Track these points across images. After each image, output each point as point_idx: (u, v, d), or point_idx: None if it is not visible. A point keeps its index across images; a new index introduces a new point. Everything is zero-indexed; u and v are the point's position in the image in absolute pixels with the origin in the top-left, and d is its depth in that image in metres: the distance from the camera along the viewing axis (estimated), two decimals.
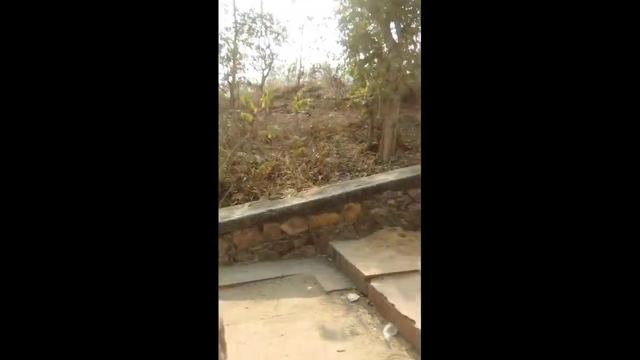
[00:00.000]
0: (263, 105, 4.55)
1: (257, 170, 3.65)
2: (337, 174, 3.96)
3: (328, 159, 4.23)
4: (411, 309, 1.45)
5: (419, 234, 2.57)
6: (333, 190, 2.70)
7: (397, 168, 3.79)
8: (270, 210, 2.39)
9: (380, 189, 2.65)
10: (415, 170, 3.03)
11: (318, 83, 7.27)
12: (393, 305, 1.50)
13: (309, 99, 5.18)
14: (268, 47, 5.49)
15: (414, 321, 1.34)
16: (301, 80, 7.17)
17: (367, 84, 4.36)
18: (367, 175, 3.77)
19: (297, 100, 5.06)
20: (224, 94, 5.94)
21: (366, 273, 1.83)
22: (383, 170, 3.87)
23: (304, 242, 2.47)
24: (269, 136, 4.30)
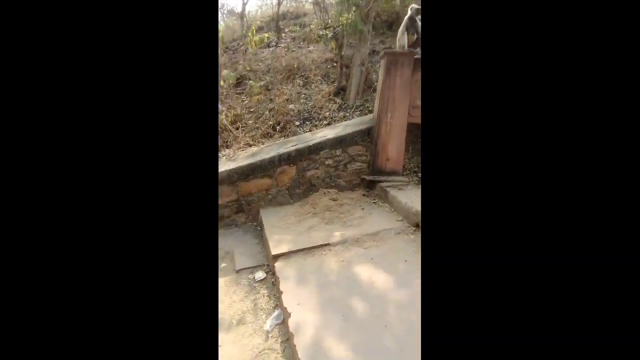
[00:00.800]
0: None
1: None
2: (297, 123, 3.63)
3: (291, 106, 3.82)
4: (295, 296, 1.41)
5: (353, 195, 2.44)
6: (267, 151, 2.47)
7: (359, 115, 3.42)
8: None
9: (317, 148, 2.41)
10: (364, 122, 2.71)
11: (306, 8, 6.17)
12: (282, 292, 1.46)
13: (267, 34, 4.40)
14: None
15: (289, 313, 1.32)
16: (287, 4, 6.07)
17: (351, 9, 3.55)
18: (327, 124, 3.45)
19: (252, 37, 4.31)
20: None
21: (274, 251, 1.76)
22: (345, 118, 3.51)
23: (235, 211, 2.38)
24: (222, 82, 3.80)
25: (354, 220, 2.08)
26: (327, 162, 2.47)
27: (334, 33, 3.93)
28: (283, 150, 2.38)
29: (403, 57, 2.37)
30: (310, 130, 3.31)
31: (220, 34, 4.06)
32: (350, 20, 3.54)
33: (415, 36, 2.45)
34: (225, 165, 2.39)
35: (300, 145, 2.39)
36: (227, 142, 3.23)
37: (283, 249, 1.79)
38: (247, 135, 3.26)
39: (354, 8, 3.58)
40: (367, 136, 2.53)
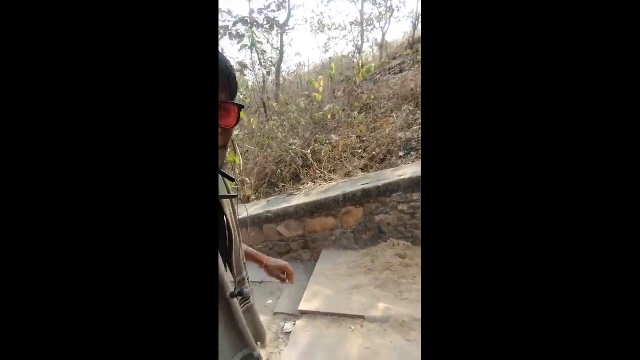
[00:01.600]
0: (322, 83, 4.27)
1: (325, 152, 3.56)
2: (401, 154, 3.32)
3: (400, 134, 3.56)
4: None
5: None
6: (336, 189, 2.35)
7: None
8: (267, 211, 2.43)
9: (386, 189, 2.06)
10: None
11: None
12: None
13: (373, 64, 4.32)
14: None
15: None
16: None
17: None
18: None
19: (359, 68, 4.36)
20: (352, 59, 5.95)
21: (302, 305, 1.61)
22: None
23: (301, 246, 2.39)
24: (329, 115, 4.04)
25: (415, 292, 1.60)
26: (399, 207, 2.06)
27: None
28: (349, 189, 2.19)
29: None
30: (412, 162, 2.91)
31: (367, 67, 4.29)
32: None
33: None
34: (296, 199, 2.46)
35: (367, 185, 2.12)
36: (334, 169, 3.31)
37: (313, 305, 1.61)
38: (349, 165, 3.24)
39: None
40: None
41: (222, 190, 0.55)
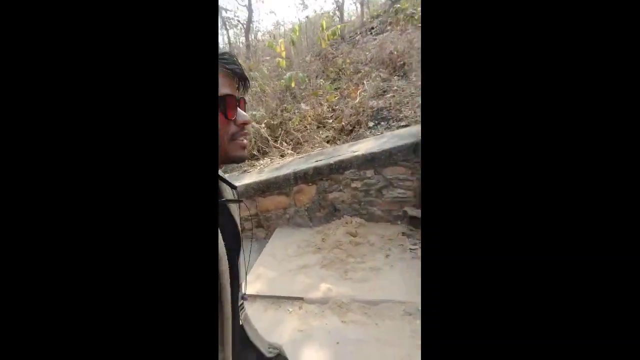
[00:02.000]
0: (283, 47, 3.93)
1: (292, 123, 3.31)
2: (371, 124, 3.17)
3: (372, 102, 3.38)
4: None
5: (389, 230, 1.87)
6: (289, 166, 2.23)
7: None
8: None
9: (339, 167, 1.97)
10: (413, 134, 2.00)
11: None
12: None
13: (339, 26, 3.97)
14: None
15: None
16: None
17: None
18: (404, 126, 2.82)
19: (323, 30, 4.02)
20: (334, 17, 5.36)
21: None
22: None
23: (255, 225, 2.30)
24: (293, 84, 3.75)
25: (360, 272, 1.57)
26: (353, 185, 1.98)
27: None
28: (301, 167, 2.07)
29: None
30: (381, 134, 2.79)
31: (333, 29, 3.93)
32: None
33: None
34: (248, 178, 2.33)
35: (319, 163, 2.01)
36: (264, 152, 3.09)
37: (254, 288, 1.56)
38: (317, 137, 3.06)
39: None
40: (413, 154, 1.84)
41: (228, 195, 0.54)
